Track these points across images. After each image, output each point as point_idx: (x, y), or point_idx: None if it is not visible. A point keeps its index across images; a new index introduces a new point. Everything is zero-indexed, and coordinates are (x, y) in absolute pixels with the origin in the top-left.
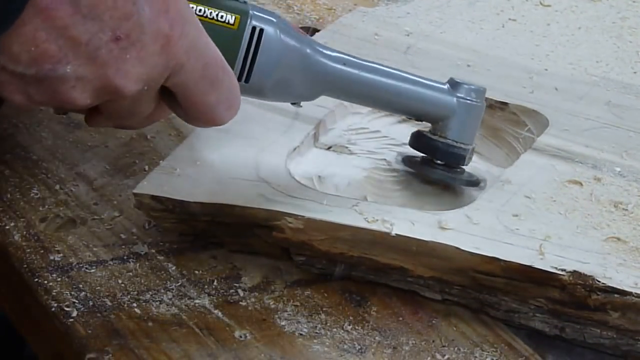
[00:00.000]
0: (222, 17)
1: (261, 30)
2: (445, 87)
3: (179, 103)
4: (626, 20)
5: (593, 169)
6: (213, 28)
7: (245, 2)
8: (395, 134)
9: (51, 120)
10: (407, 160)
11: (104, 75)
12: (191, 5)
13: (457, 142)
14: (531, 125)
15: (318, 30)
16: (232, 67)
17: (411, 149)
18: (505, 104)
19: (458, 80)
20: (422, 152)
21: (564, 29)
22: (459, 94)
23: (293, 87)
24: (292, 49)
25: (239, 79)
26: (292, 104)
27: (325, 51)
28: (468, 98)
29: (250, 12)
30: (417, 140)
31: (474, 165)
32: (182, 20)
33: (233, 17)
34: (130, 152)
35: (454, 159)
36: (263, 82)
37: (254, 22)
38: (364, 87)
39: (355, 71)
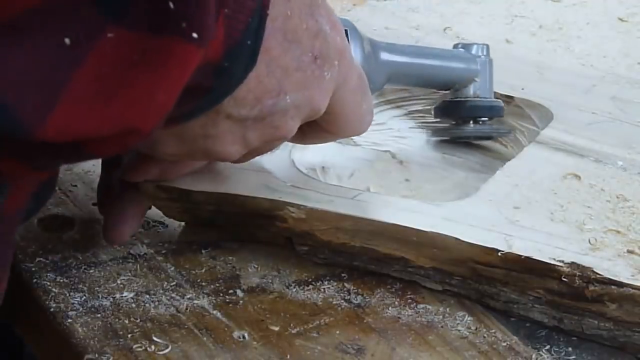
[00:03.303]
0: None
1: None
2: (463, 51)
3: (323, 120)
4: (635, 16)
5: (595, 163)
6: None
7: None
8: (400, 126)
9: None
10: (438, 131)
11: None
12: None
13: (486, 97)
14: (536, 119)
15: None
16: None
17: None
18: (511, 97)
19: (467, 43)
20: (460, 116)
21: (572, 24)
22: (476, 55)
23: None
24: (372, 58)
25: None
26: None
27: (385, 45)
28: (482, 55)
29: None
30: (448, 108)
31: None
32: (343, 33)
33: None
34: None
35: (495, 111)
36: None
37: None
38: (419, 71)
39: (413, 59)
